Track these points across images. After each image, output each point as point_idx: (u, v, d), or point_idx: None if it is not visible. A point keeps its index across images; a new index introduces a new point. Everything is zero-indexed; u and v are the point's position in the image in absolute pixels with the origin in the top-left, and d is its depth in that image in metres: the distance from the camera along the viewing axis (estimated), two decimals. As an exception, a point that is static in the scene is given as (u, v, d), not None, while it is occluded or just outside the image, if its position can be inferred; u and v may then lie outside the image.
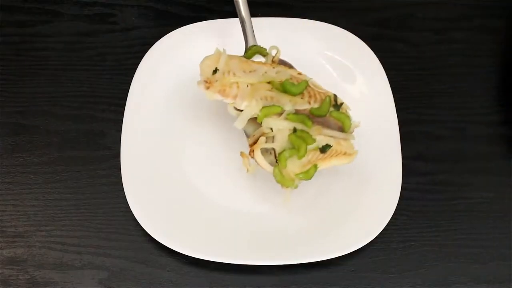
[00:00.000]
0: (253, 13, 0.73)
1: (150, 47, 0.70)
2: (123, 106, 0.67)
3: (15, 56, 0.73)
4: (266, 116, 0.61)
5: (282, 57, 0.70)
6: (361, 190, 0.64)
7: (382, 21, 0.76)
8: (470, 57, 0.74)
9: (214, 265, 0.61)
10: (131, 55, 0.72)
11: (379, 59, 0.70)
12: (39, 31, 0.75)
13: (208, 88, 0.61)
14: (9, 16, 0.76)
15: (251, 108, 0.61)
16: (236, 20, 0.68)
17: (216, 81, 0.62)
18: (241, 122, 0.62)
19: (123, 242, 0.63)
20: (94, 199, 0.65)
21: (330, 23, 0.72)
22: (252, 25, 0.67)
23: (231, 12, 0.67)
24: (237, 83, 0.62)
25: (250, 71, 0.63)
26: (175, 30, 0.71)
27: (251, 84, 0.62)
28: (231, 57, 0.64)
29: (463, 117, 0.70)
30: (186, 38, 0.71)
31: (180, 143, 0.67)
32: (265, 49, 0.66)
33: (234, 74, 0.62)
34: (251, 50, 0.66)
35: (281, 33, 0.72)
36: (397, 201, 0.62)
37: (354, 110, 0.68)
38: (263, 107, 0.61)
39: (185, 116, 0.68)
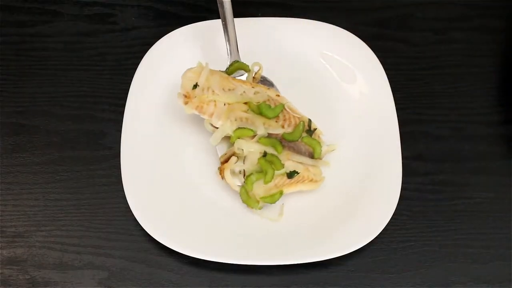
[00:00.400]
0: (253, 13, 0.73)
1: (150, 47, 0.70)
2: (123, 106, 0.67)
3: (15, 56, 0.73)
4: (238, 137, 0.63)
5: (283, 56, 0.71)
6: (361, 190, 0.64)
7: (382, 21, 0.76)
8: (470, 57, 0.74)
9: (214, 265, 0.61)
10: (131, 55, 0.73)
11: (379, 59, 0.70)
12: (39, 31, 0.75)
13: (186, 103, 0.63)
14: (9, 16, 0.76)
15: (225, 128, 0.63)
16: (236, 20, 0.68)
17: (195, 97, 0.63)
18: (214, 140, 0.64)
19: (123, 242, 0.63)
20: (94, 199, 0.65)
21: (330, 23, 0.72)
22: (236, 40, 0.68)
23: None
24: (214, 101, 0.64)
25: (229, 89, 0.64)
26: (175, 30, 0.71)
27: (228, 104, 0.64)
28: (212, 72, 0.65)
29: (463, 117, 0.70)
30: (186, 38, 0.71)
31: (180, 143, 0.67)
32: (247, 66, 0.67)
33: (213, 91, 0.64)
34: (233, 66, 0.67)
35: (281, 33, 0.72)
36: (397, 201, 0.62)
37: (354, 110, 0.68)
38: (236, 129, 0.63)
39: (185, 116, 0.68)
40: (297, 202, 0.64)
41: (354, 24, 0.73)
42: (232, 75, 0.67)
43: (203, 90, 0.64)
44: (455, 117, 0.70)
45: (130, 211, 0.62)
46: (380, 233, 0.61)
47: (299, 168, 0.63)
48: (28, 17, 0.76)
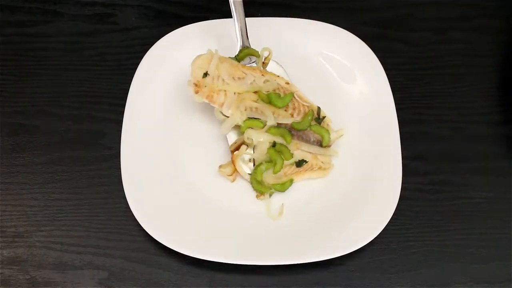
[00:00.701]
0: (253, 13, 0.73)
1: (150, 47, 0.70)
2: (123, 106, 0.67)
3: (15, 56, 0.73)
4: (248, 127, 0.64)
5: (284, 56, 0.70)
6: (361, 190, 0.64)
7: (382, 21, 0.76)
8: (470, 57, 0.74)
9: (214, 265, 0.61)
10: (131, 55, 0.73)
11: (379, 59, 0.70)
12: (39, 31, 0.75)
13: (197, 92, 0.64)
14: (9, 16, 0.76)
15: (235, 118, 0.64)
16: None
17: (205, 86, 0.64)
18: (225, 129, 0.64)
19: (123, 242, 0.63)
20: (94, 199, 0.65)
21: (330, 23, 0.72)
22: (246, 26, 0.68)
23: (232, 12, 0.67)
24: (225, 91, 0.64)
25: (239, 78, 0.65)
26: (175, 30, 0.71)
27: (238, 93, 0.64)
28: (222, 60, 0.65)
29: (463, 117, 0.70)
30: (186, 38, 0.71)
31: (180, 143, 0.67)
32: (257, 52, 0.68)
33: (223, 80, 0.64)
34: (243, 52, 0.68)
35: (281, 33, 0.72)
36: (397, 201, 0.62)
37: (354, 110, 0.68)
38: (246, 119, 0.64)
39: (185, 116, 0.68)
40: (297, 202, 0.64)
41: (354, 24, 0.73)
42: (242, 62, 0.67)
43: (213, 79, 0.64)
44: (455, 117, 0.70)
45: (130, 211, 0.62)
46: (380, 233, 0.61)
47: (307, 157, 0.64)
48: (28, 17, 0.76)
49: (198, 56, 0.65)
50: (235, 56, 0.67)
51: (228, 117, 0.64)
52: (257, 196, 0.64)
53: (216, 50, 0.65)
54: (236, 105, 0.64)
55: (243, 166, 0.64)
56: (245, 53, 0.68)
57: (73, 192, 0.65)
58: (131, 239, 0.63)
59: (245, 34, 0.68)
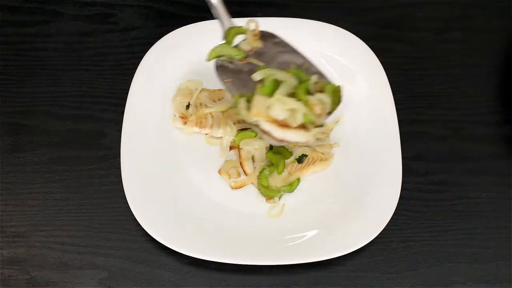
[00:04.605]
0: (253, 13, 0.73)
1: (150, 47, 0.70)
2: (123, 106, 0.67)
3: (15, 56, 0.73)
4: (241, 139, 0.65)
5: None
6: (361, 190, 0.64)
7: (382, 21, 0.77)
8: (470, 57, 0.74)
9: (214, 265, 0.61)
10: (131, 55, 0.73)
11: (379, 59, 0.70)
12: (39, 31, 0.75)
13: (185, 123, 0.66)
14: (9, 16, 0.76)
15: (228, 134, 0.65)
16: (236, 20, 0.68)
17: (191, 115, 0.66)
18: (224, 152, 0.66)
19: (123, 242, 0.63)
20: (94, 199, 0.65)
21: (330, 23, 0.72)
22: (224, 7, 0.63)
23: (231, 12, 0.67)
24: (211, 113, 0.66)
25: (219, 99, 0.67)
26: (175, 30, 0.71)
27: (223, 111, 0.66)
28: (200, 90, 0.68)
29: (463, 117, 0.70)
30: (186, 38, 0.71)
31: (180, 143, 0.67)
32: (244, 28, 0.63)
33: (206, 105, 0.67)
34: (230, 34, 0.62)
35: (281, 33, 0.72)
36: (397, 201, 0.62)
37: (354, 110, 0.68)
38: (238, 132, 0.65)
39: (185, 116, 0.69)
40: (298, 202, 0.64)
41: (354, 24, 0.73)
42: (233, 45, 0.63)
43: (196, 107, 0.66)
44: (455, 117, 0.70)
45: (130, 211, 0.62)
46: (380, 233, 0.61)
47: (306, 151, 0.65)
48: (28, 17, 0.76)
49: (175, 95, 0.68)
50: (224, 39, 0.63)
51: (220, 137, 0.66)
52: (266, 200, 0.64)
53: (199, 85, 0.68)
54: (224, 122, 0.66)
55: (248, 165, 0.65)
56: (234, 33, 0.62)
57: (73, 192, 0.66)
58: (131, 239, 0.63)
59: (226, 15, 0.62)
